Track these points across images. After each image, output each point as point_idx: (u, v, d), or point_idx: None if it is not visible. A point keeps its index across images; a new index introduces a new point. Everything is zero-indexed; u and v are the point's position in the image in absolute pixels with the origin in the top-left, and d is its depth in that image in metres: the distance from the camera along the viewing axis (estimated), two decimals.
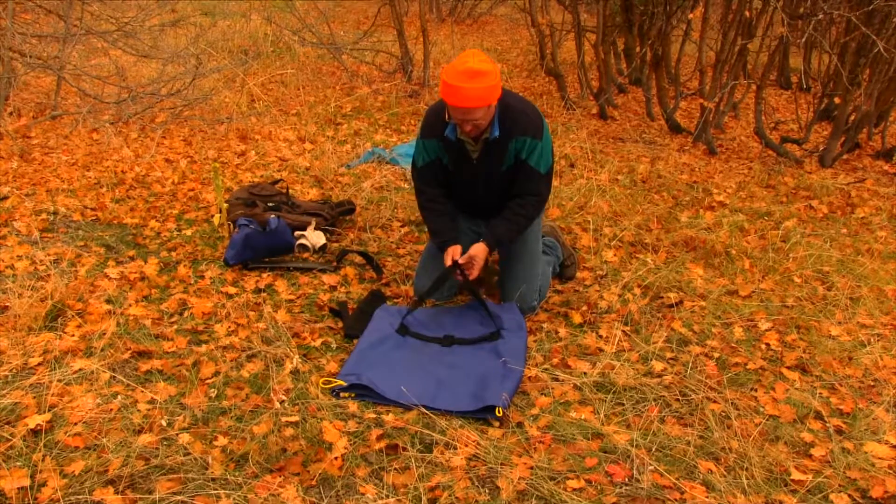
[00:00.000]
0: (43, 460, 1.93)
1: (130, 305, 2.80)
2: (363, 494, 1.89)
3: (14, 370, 2.34)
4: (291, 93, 6.45)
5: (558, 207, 3.89)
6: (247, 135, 5.17)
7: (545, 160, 2.69)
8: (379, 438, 2.09)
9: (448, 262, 2.71)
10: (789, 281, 3.19)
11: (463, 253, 2.75)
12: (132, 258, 3.25)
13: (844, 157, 5.15)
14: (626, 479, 1.96)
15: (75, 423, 2.09)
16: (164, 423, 2.12)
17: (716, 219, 3.85)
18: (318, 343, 2.61)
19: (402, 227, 3.68)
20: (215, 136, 5.12)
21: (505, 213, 2.76)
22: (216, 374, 2.38)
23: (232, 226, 3.44)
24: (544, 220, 3.49)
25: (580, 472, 1.99)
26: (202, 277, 3.07)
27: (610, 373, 2.44)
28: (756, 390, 2.40)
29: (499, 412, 2.19)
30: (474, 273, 2.73)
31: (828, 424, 2.23)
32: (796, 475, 1.99)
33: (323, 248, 3.39)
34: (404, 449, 2.06)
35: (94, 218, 3.69)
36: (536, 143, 2.64)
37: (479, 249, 2.72)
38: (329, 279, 3.10)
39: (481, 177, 2.77)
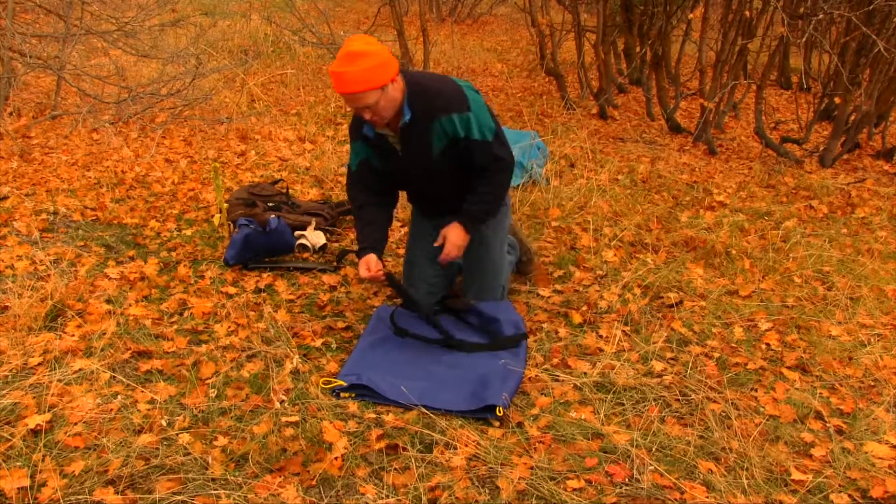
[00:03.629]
0: (43, 460, 1.93)
1: (130, 305, 2.80)
2: (363, 494, 1.89)
3: (14, 370, 2.34)
4: (291, 93, 6.45)
5: (558, 207, 3.89)
6: (247, 135, 5.17)
7: (486, 125, 2.48)
8: (379, 438, 2.09)
9: (363, 273, 2.56)
10: (789, 281, 3.19)
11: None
12: (132, 258, 3.25)
13: (844, 157, 5.15)
14: (626, 479, 1.96)
15: (75, 423, 2.09)
16: (164, 423, 2.12)
17: (716, 219, 3.85)
18: (318, 343, 2.61)
19: (402, 227, 3.68)
20: (215, 136, 5.12)
21: (477, 188, 2.59)
22: (216, 374, 2.38)
23: (232, 226, 3.45)
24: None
25: (580, 472, 1.99)
26: (202, 277, 3.07)
27: (610, 373, 2.44)
28: (756, 390, 2.40)
29: (499, 412, 2.19)
30: (452, 254, 2.58)
31: (828, 424, 2.23)
32: (796, 475, 1.99)
33: (323, 248, 3.39)
34: (404, 449, 2.06)
35: (94, 218, 3.69)
36: (468, 116, 2.43)
37: (453, 228, 2.57)
38: (329, 279, 3.10)
39: (414, 167, 2.59)
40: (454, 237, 2.58)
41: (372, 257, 2.57)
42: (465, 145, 2.48)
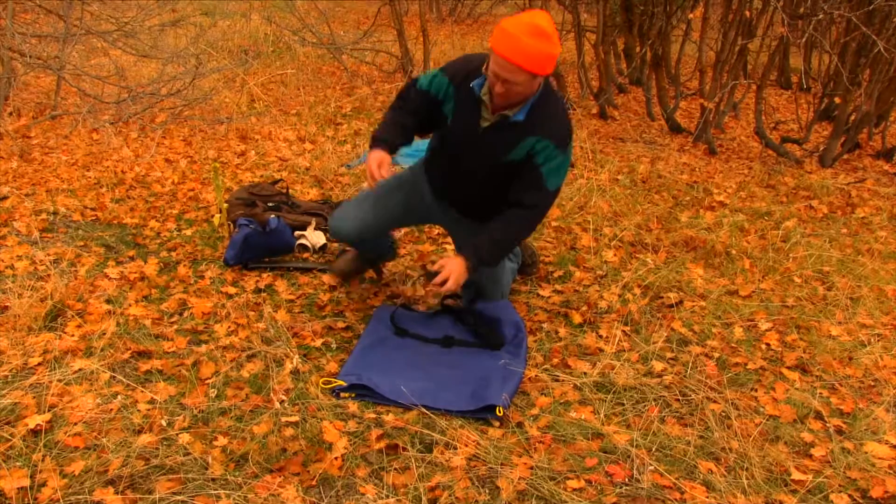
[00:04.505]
0: (43, 460, 1.93)
1: (130, 305, 2.80)
2: (363, 494, 1.89)
3: (14, 370, 2.34)
4: (291, 93, 6.45)
5: (558, 207, 3.89)
6: (247, 135, 5.16)
7: (558, 177, 2.39)
8: (379, 438, 2.09)
9: (374, 167, 2.32)
10: (789, 281, 3.19)
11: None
12: (132, 258, 3.25)
13: (844, 157, 5.15)
14: (626, 479, 1.96)
15: (75, 423, 2.09)
16: (164, 423, 2.12)
17: (716, 219, 3.85)
18: (318, 343, 2.61)
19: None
20: (215, 136, 5.12)
21: (494, 227, 2.43)
22: (216, 374, 2.38)
23: (232, 226, 3.44)
24: None
25: (580, 472, 1.99)
26: (202, 277, 3.07)
27: (610, 373, 2.44)
28: (756, 390, 2.40)
29: (499, 412, 2.19)
30: (449, 286, 2.35)
31: (828, 424, 2.23)
32: (796, 475, 1.99)
33: (323, 248, 3.39)
34: (404, 449, 2.06)
35: (94, 218, 3.69)
36: (557, 154, 2.34)
37: (456, 262, 2.37)
38: (329, 279, 3.10)
39: (477, 151, 2.45)
40: (457, 272, 2.36)
41: (387, 156, 2.38)
42: (530, 171, 2.37)
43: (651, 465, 2.01)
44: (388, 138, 2.44)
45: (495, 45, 2.18)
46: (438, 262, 2.38)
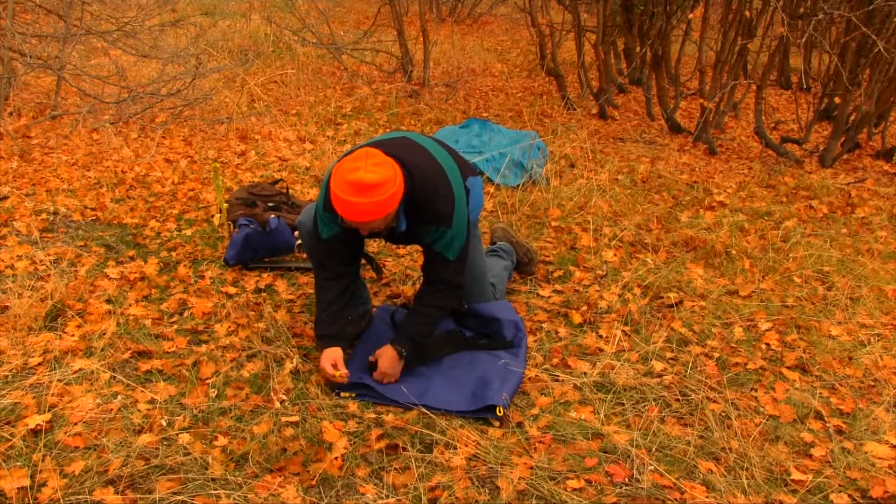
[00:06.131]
0: (43, 460, 1.93)
1: (130, 305, 2.80)
2: (363, 494, 1.89)
3: (14, 370, 2.34)
4: (291, 93, 6.45)
5: (558, 207, 3.89)
6: (247, 135, 5.16)
7: (456, 245, 2.37)
8: (379, 438, 2.09)
9: (327, 369, 2.32)
10: (789, 281, 3.19)
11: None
12: (132, 258, 3.25)
13: (844, 157, 5.15)
14: (626, 479, 1.96)
15: (75, 423, 2.09)
16: (164, 423, 2.12)
17: (716, 219, 3.85)
18: None
19: None
20: (215, 136, 5.12)
21: (415, 307, 2.49)
22: (216, 374, 2.38)
23: (232, 226, 3.44)
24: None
25: (580, 472, 1.99)
26: (202, 277, 3.07)
27: (610, 373, 2.44)
28: (756, 390, 2.41)
29: (499, 412, 2.19)
30: (389, 379, 2.36)
31: (828, 424, 2.23)
32: (796, 475, 1.99)
33: None
34: (404, 449, 2.06)
35: (94, 218, 3.69)
36: (445, 231, 2.32)
37: (386, 355, 2.37)
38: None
39: (392, 241, 2.59)
40: (387, 365, 2.36)
41: (338, 352, 2.36)
42: (429, 249, 2.39)
43: (651, 465, 2.01)
44: (334, 331, 2.43)
45: (334, 204, 2.17)
46: (376, 352, 2.39)
